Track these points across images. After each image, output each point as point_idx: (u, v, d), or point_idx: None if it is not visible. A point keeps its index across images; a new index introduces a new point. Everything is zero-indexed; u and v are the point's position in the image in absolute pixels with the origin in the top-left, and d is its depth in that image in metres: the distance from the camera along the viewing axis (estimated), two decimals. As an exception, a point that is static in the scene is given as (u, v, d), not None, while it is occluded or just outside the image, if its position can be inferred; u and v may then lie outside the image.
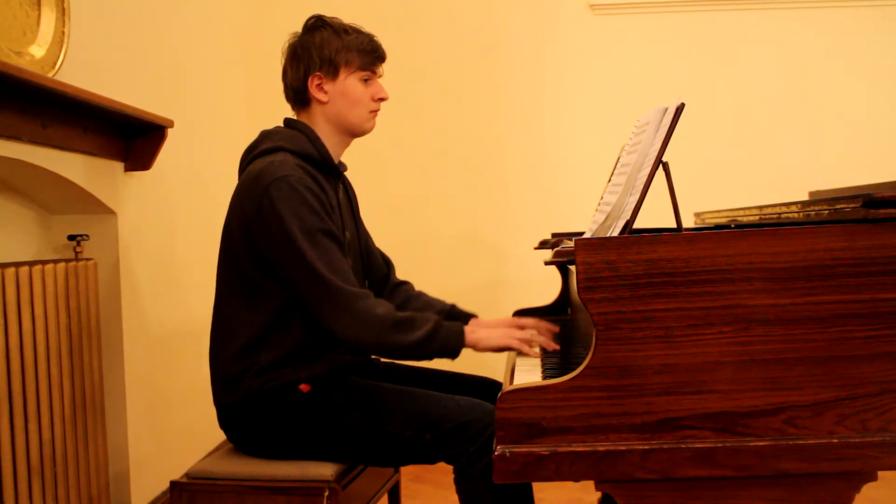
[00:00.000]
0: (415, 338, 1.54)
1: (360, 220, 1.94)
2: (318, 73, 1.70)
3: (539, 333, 1.71)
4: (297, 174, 1.58)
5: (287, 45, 1.75)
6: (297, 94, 1.73)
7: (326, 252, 1.55)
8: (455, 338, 1.59)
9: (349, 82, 1.71)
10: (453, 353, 1.59)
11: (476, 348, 1.62)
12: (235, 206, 1.65)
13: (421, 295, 1.99)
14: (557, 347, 1.67)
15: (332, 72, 1.70)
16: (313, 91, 1.71)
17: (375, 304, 1.55)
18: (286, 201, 1.55)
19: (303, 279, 1.55)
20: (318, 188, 1.62)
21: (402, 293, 1.97)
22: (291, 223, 1.54)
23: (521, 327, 1.87)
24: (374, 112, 1.76)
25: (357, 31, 1.73)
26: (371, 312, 1.54)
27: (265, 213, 1.56)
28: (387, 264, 2.00)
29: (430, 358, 1.60)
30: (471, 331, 1.62)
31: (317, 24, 1.72)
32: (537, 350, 1.66)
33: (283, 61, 1.75)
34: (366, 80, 1.72)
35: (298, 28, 1.76)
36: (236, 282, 1.65)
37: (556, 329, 1.78)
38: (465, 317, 1.92)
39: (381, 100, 1.75)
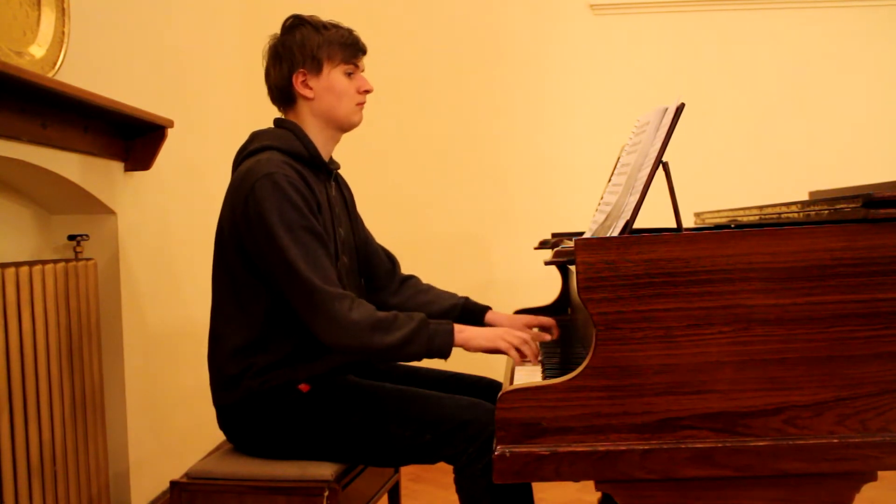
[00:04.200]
0: (395, 338, 1.51)
1: (357, 217, 1.94)
2: (302, 70, 1.69)
3: (531, 342, 1.62)
4: (282, 171, 1.57)
5: (268, 46, 1.75)
6: (283, 93, 1.73)
7: (308, 249, 1.54)
8: (442, 336, 1.55)
9: (333, 76, 1.70)
10: (442, 353, 1.55)
11: (466, 347, 1.58)
12: (226, 208, 1.65)
13: (431, 288, 1.98)
14: (537, 361, 1.60)
15: (316, 67, 1.69)
16: (299, 88, 1.70)
17: (352, 307, 1.52)
18: (269, 198, 1.54)
19: (283, 276, 1.54)
20: (305, 185, 1.61)
21: (411, 288, 1.97)
22: (273, 219, 1.53)
23: (528, 326, 1.87)
24: (361, 105, 1.75)
25: (336, 27, 1.73)
26: (346, 316, 1.50)
27: (250, 212, 1.56)
28: (390, 260, 1.99)
29: (417, 358, 1.56)
30: (460, 329, 1.58)
31: (295, 23, 1.72)
32: (526, 357, 1.59)
33: (265, 63, 1.75)
34: (349, 74, 1.72)
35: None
36: (229, 283, 1.65)
37: (549, 337, 1.75)
38: (480, 310, 1.91)
39: (367, 92, 1.75)
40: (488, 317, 1.91)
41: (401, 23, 3.42)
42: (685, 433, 1.20)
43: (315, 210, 1.61)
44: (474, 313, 1.91)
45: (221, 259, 1.67)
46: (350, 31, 1.73)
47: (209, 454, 1.77)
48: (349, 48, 1.71)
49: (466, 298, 1.94)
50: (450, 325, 1.57)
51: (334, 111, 1.72)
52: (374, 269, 1.93)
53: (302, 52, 1.68)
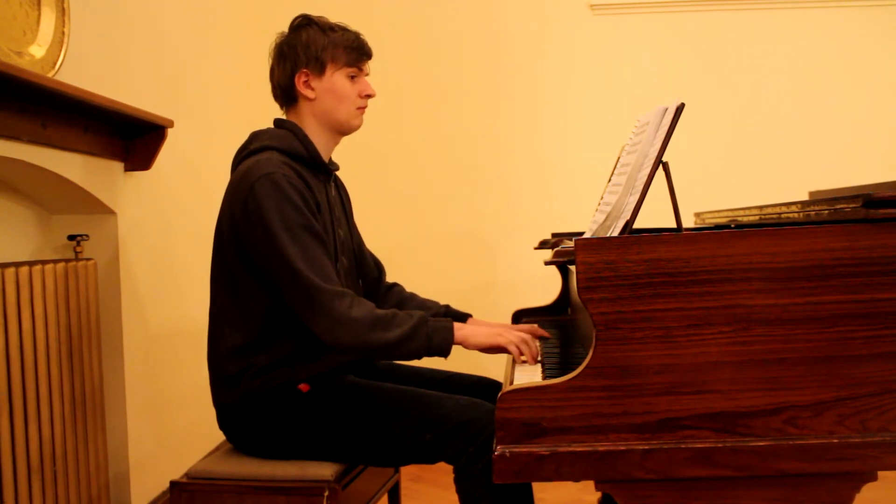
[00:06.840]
0: (395, 335, 1.51)
1: (353, 221, 1.94)
2: (304, 70, 1.70)
3: (531, 342, 1.62)
4: (281, 171, 1.58)
5: (274, 44, 1.75)
6: (285, 93, 1.74)
7: (306, 248, 1.54)
8: (442, 333, 1.54)
9: (336, 79, 1.70)
10: (442, 350, 1.55)
11: (465, 345, 1.58)
12: (225, 208, 1.66)
13: (414, 297, 1.98)
14: (536, 362, 1.60)
15: (319, 69, 1.70)
16: (300, 88, 1.71)
17: (352, 305, 1.51)
18: (269, 198, 1.54)
19: (282, 276, 1.54)
20: (304, 185, 1.61)
21: (395, 295, 1.96)
22: (273, 218, 1.53)
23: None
24: (362, 109, 1.75)
25: (343, 29, 1.73)
26: (346, 313, 1.50)
27: (249, 211, 1.56)
28: (378, 267, 1.99)
29: (417, 356, 1.56)
30: (459, 327, 1.58)
31: (303, 23, 1.73)
32: (524, 358, 1.59)
33: (270, 61, 1.76)
34: (352, 77, 1.72)
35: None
36: (228, 283, 1.65)
37: (547, 334, 1.75)
38: (461, 318, 1.90)
39: (368, 96, 1.75)
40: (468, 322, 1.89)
41: (400, 23, 3.42)
42: (685, 433, 1.20)
43: (314, 210, 1.62)
44: (456, 320, 1.90)
45: (220, 259, 1.67)
46: (357, 35, 1.74)
47: (209, 454, 1.77)
48: (354, 52, 1.71)
49: (447, 306, 1.94)
50: (449, 322, 1.58)
51: (334, 113, 1.72)
52: (363, 276, 1.93)
53: (306, 52, 1.69)
